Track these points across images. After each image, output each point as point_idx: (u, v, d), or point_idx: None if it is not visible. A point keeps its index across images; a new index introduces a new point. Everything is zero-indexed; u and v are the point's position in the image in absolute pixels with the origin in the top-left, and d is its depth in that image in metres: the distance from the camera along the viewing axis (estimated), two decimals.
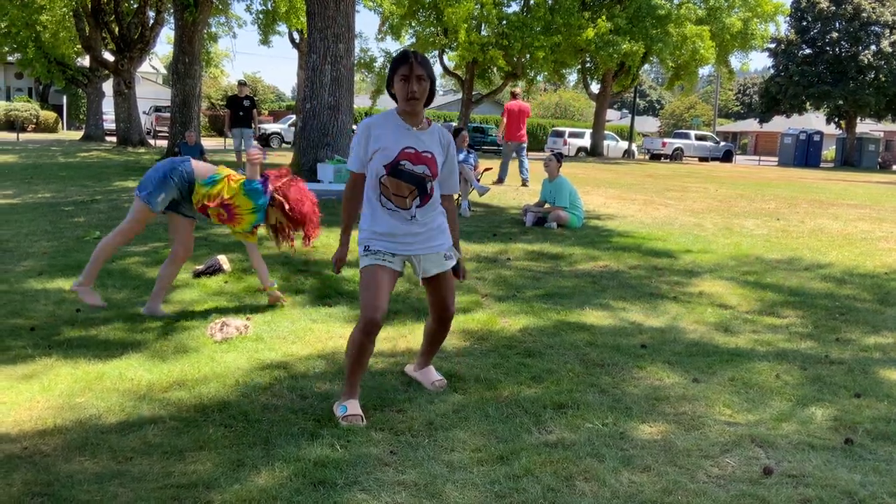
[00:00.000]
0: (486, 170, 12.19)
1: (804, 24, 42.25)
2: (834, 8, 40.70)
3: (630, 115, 46.33)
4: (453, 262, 3.48)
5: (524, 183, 13.94)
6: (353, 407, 3.29)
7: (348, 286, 5.76)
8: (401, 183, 3.27)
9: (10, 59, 35.00)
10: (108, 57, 27.72)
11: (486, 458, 2.93)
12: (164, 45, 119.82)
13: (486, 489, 2.69)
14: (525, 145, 14.67)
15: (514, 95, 14.84)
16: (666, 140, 42.94)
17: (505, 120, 14.53)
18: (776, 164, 41.11)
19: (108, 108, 32.44)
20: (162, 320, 4.76)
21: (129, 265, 6.25)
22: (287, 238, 5.06)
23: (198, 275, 5.92)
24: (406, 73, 3.23)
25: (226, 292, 5.55)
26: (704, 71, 57.79)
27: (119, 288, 5.54)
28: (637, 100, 48.98)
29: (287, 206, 4.86)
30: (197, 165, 4.75)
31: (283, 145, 33.19)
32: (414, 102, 3.25)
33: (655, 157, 40.99)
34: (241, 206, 4.76)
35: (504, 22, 31.30)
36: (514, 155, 14.66)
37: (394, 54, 32.98)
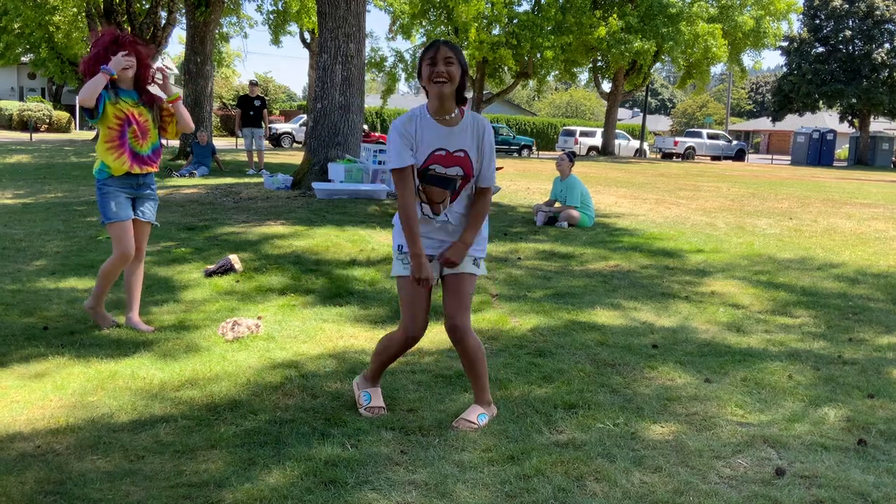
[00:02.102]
0: (498, 168, 12.18)
1: (817, 22, 42.02)
2: (847, 6, 40.45)
3: (642, 114, 46.20)
4: (479, 271, 3.24)
5: None
6: (377, 398, 3.40)
7: (358, 286, 5.77)
8: (433, 188, 3.12)
9: (23, 59, 35.26)
10: None
11: (497, 457, 2.93)
12: (176, 45, 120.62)
13: (496, 489, 2.68)
14: None
15: None
16: (678, 139, 42.81)
17: None
18: (789, 162, 40.91)
19: None
20: (166, 321, 4.78)
21: None
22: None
23: (209, 274, 5.94)
24: (433, 55, 3.04)
25: (237, 291, 5.57)
26: (716, 69, 57.58)
27: None
28: (649, 98, 48.82)
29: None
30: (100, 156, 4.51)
31: (295, 145, 33.29)
32: (440, 85, 3.02)
33: (667, 156, 40.88)
34: (142, 115, 4.50)
35: (515, 21, 31.29)
36: None
37: (404, 53, 33.07)
